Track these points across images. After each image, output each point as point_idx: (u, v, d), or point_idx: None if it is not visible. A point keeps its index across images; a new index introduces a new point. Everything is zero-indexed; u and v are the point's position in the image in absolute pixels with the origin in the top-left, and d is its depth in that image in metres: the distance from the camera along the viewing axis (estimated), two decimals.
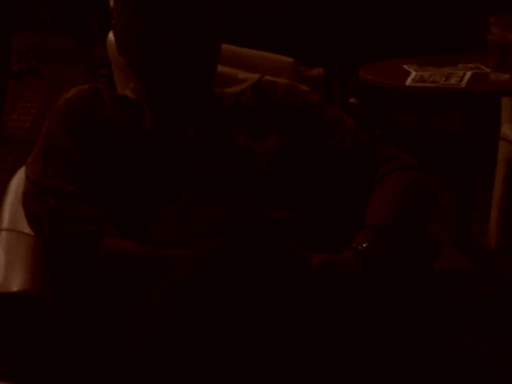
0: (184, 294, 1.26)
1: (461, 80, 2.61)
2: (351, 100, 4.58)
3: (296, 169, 1.62)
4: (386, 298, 1.40)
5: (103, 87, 1.71)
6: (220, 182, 1.57)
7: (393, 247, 1.47)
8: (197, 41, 1.62)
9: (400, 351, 1.29)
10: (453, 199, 2.86)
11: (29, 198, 1.59)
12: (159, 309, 1.30)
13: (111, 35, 2.15)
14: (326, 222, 1.59)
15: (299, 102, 1.70)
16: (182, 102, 1.67)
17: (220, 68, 2.24)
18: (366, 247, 1.45)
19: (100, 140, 1.61)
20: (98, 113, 1.64)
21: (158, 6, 1.60)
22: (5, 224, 1.65)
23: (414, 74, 2.69)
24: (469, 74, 2.66)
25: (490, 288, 2.99)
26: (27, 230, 1.61)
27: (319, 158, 1.66)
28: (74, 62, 6.62)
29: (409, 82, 2.62)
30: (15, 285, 1.46)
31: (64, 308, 1.49)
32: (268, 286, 1.28)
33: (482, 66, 2.73)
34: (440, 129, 4.82)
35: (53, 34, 6.82)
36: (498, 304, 2.92)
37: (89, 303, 1.49)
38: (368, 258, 1.44)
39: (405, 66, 2.78)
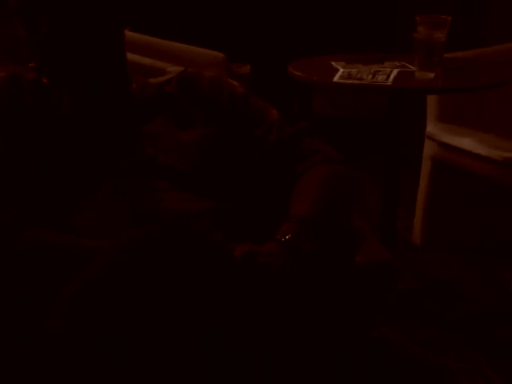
0: (103, 283, 1.25)
1: (387, 77, 2.64)
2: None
3: (221, 160, 1.62)
4: (309, 289, 1.41)
5: (24, 71, 1.68)
6: (144, 172, 1.56)
7: (316, 239, 1.48)
8: (80, 34, 1.57)
9: (321, 341, 1.30)
10: (380, 195, 2.89)
11: None
12: (78, 299, 1.29)
13: None
14: (250, 214, 1.59)
15: (224, 93, 1.70)
16: (94, 88, 1.63)
17: (149, 61, 2.23)
18: (289, 239, 1.46)
19: (20, 128, 1.58)
20: (16, 100, 1.62)
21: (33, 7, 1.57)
22: None
23: (341, 70, 2.71)
24: (395, 71, 2.70)
25: (412, 282, 3.04)
26: None
27: (244, 150, 1.66)
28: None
29: (336, 78, 2.64)
30: None
31: None
32: (191, 276, 1.27)
33: (408, 65, 2.76)
34: (368, 125, 4.88)
35: None
36: (419, 297, 2.97)
37: (7, 294, 1.47)
38: (291, 250, 1.44)
39: (333, 63, 2.80)
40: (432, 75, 2.64)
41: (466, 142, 3.12)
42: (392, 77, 2.64)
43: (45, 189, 1.54)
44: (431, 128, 3.28)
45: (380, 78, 2.63)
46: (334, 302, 1.42)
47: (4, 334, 1.44)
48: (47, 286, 1.43)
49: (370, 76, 2.64)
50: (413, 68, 2.70)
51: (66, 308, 1.30)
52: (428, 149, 3.31)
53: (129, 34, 2.22)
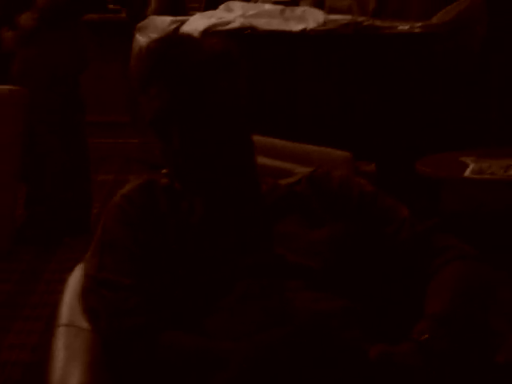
0: None
1: None
2: None
3: (353, 258, 1.61)
4: None
5: (158, 180, 1.73)
6: (275, 272, 1.56)
7: (452, 338, 1.44)
8: (211, 142, 1.60)
9: None
10: None
11: (86, 293, 1.61)
12: None
13: None
14: (385, 312, 1.56)
15: (354, 192, 1.70)
16: (224, 194, 1.66)
17: (278, 163, 2.26)
18: (426, 338, 1.43)
19: (155, 233, 1.62)
20: (153, 206, 1.65)
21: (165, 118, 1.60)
22: (63, 319, 1.66)
23: (472, 165, 2.68)
24: None
25: None
26: (85, 325, 1.61)
27: (376, 248, 1.65)
28: (135, 163, 6.72)
29: (467, 173, 2.61)
30: (73, 381, 1.46)
31: None
32: (328, 380, 1.26)
33: None
34: (500, 219, 4.76)
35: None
36: None
37: None
38: (428, 350, 1.41)
39: (462, 159, 2.78)
40: None
41: None
42: None
43: (179, 292, 1.56)
44: None
45: None
46: None
47: None
48: None
49: (503, 170, 2.60)
50: None
51: None
52: None
53: (256, 137, 2.27)
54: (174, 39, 1.69)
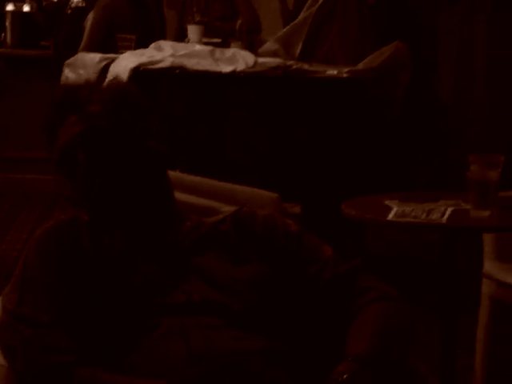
0: None
1: (442, 216, 2.63)
2: None
3: (276, 298, 1.62)
4: None
5: (81, 216, 1.71)
6: (199, 310, 1.56)
7: (373, 379, 1.45)
8: (116, 169, 1.63)
9: None
10: (438, 335, 2.83)
11: (4, 328, 1.57)
12: None
13: None
14: (305, 352, 1.57)
15: (279, 231, 1.71)
16: (143, 229, 1.66)
17: (205, 201, 2.26)
18: (346, 379, 1.43)
19: (76, 269, 1.61)
20: (75, 242, 1.64)
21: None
22: None
23: (395, 209, 2.71)
24: (450, 210, 2.69)
25: None
26: (1, 360, 1.58)
27: (299, 287, 1.65)
28: (60, 199, 6.67)
29: (391, 216, 2.64)
30: None
31: None
32: None
33: (462, 203, 2.75)
34: (423, 262, 4.84)
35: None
36: None
37: None
38: None
39: (386, 202, 2.80)
40: (487, 213, 2.62)
41: None
42: (447, 215, 2.63)
43: (100, 329, 1.54)
44: (489, 267, 3.23)
45: (435, 216, 2.62)
46: None
47: None
48: None
49: (425, 214, 2.63)
50: (467, 206, 2.69)
51: None
52: (486, 288, 3.24)
53: (184, 175, 2.27)
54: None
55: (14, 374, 1.54)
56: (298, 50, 4.64)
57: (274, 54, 4.62)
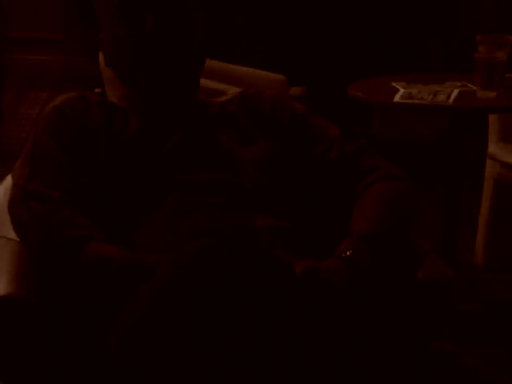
0: (166, 295, 1.26)
1: (448, 97, 2.63)
2: None
3: (282, 177, 1.63)
4: (370, 305, 1.41)
5: (91, 94, 1.72)
6: (207, 188, 1.58)
7: (376, 255, 1.48)
8: (181, 35, 1.63)
9: (383, 356, 1.30)
10: (441, 217, 2.86)
11: (15, 204, 1.59)
12: (142, 313, 1.30)
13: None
14: (311, 230, 1.59)
15: (286, 111, 1.71)
16: (167, 104, 1.67)
17: (210, 83, 2.25)
18: (349, 255, 1.46)
19: (87, 146, 1.61)
20: (85, 119, 1.64)
21: (140, 1, 1.61)
22: None
23: (402, 91, 2.71)
24: (456, 91, 2.69)
25: (476, 303, 3.00)
26: (13, 235, 1.61)
27: (305, 166, 1.67)
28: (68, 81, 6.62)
29: (397, 98, 2.64)
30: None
31: (51, 311, 1.49)
32: (251, 289, 1.28)
33: (468, 84, 2.75)
34: (429, 145, 4.85)
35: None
36: (484, 318, 2.93)
37: (75, 306, 1.50)
38: (352, 266, 1.45)
39: (393, 84, 2.80)
40: (494, 94, 2.62)
41: None
42: (453, 97, 2.63)
43: (109, 206, 1.57)
44: (493, 148, 3.24)
45: (441, 97, 2.62)
46: (394, 317, 1.42)
47: (69, 350, 1.47)
48: (110, 300, 1.46)
49: (431, 96, 2.63)
50: (474, 88, 2.69)
51: (129, 323, 1.32)
52: (490, 169, 3.27)
53: None
54: None
55: (26, 249, 1.57)
56: None
57: None
